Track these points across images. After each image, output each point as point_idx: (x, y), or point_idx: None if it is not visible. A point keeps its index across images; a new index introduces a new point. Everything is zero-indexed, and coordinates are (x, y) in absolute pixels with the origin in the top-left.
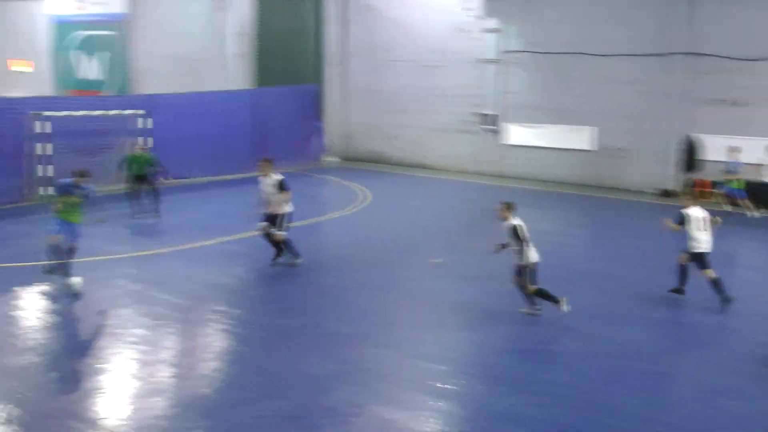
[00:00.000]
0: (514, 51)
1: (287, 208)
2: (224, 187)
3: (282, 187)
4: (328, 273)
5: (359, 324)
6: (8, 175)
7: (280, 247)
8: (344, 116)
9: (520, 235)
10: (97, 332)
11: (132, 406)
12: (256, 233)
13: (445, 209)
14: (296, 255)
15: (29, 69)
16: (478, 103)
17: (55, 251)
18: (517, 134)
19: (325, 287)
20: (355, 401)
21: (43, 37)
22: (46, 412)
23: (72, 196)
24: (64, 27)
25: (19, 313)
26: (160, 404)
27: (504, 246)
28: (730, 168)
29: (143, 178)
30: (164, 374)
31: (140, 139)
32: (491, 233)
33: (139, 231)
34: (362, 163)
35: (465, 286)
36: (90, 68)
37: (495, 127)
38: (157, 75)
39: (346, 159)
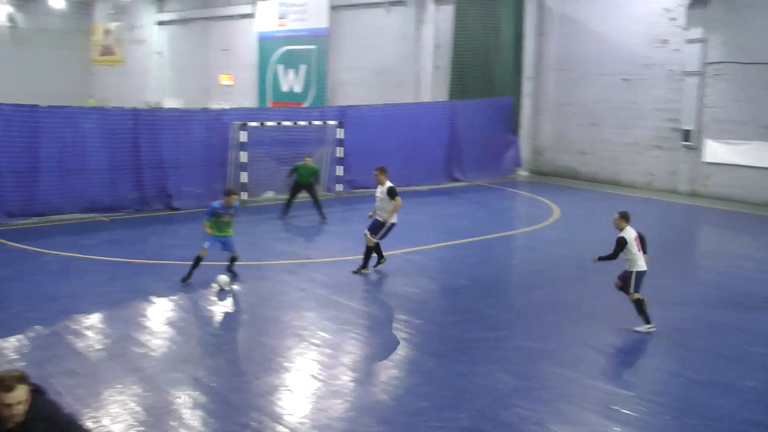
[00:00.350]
0: (717, 62)
1: (393, 219)
2: (415, 198)
3: (391, 194)
4: (513, 288)
5: (542, 341)
6: (215, 180)
7: (379, 251)
8: (536, 130)
9: (625, 247)
10: (283, 332)
11: (312, 406)
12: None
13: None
14: (365, 266)
15: (231, 83)
16: (676, 118)
17: (197, 263)
18: (719, 151)
19: (509, 302)
20: (534, 419)
21: (249, 53)
22: (230, 402)
23: (223, 217)
24: (268, 42)
25: (216, 308)
26: (338, 406)
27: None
28: None
29: (307, 186)
30: (344, 378)
31: (327, 148)
32: (686, 255)
33: (327, 238)
34: (552, 178)
35: (653, 310)
36: (291, 81)
37: (694, 144)
38: (354, 86)
39: (537, 173)
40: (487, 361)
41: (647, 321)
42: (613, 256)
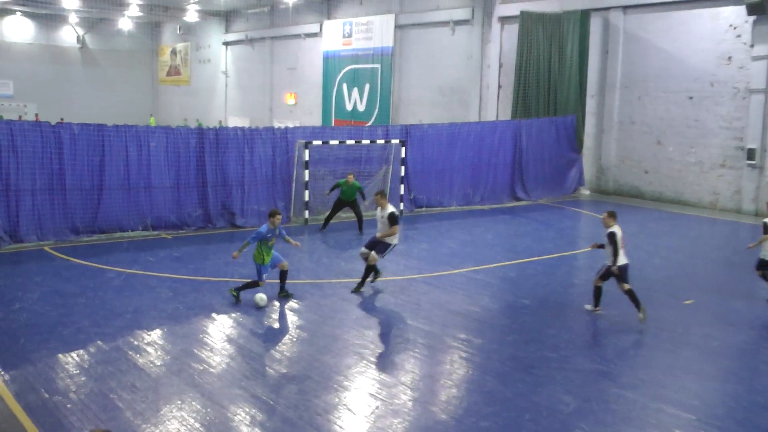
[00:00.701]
0: None
1: (394, 241)
2: (478, 217)
3: (392, 220)
4: (575, 308)
5: (605, 362)
6: (279, 199)
7: (375, 268)
8: (599, 149)
9: (617, 241)
10: (344, 351)
11: (370, 425)
12: (360, 256)
13: (700, 249)
14: (362, 284)
15: (294, 101)
16: (740, 137)
17: (253, 286)
18: None
19: (571, 322)
20: None
21: (314, 71)
22: (289, 420)
23: (271, 240)
24: (333, 61)
25: (276, 325)
26: (397, 426)
27: (600, 246)
28: None
29: (351, 204)
30: (404, 397)
31: (389, 167)
32: (750, 276)
33: (389, 256)
34: (616, 197)
35: (717, 331)
36: (355, 100)
37: (758, 163)
38: (418, 105)
39: (600, 192)
40: (548, 382)
41: (638, 306)
42: (616, 251)
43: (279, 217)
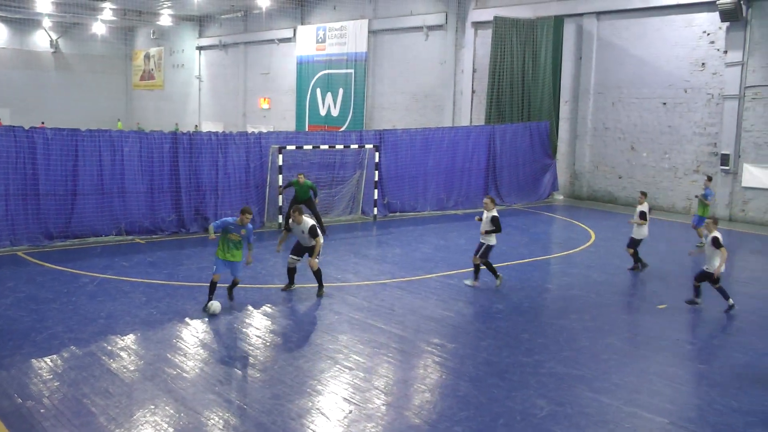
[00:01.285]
0: (757, 85)
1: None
2: (452, 222)
3: (313, 233)
4: (549, 313)
5: (579, 366)
6: (254, 203)
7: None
8: (573, 154)
9: (497, 224)
10: (318, 355)
11: (344, 430)
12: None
13: (674, 253)
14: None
15: (267, 106)
16: (714, 142)
17: (213, 288)
18: (758, 176)
19: (545, 327)
20: None
21: (288, 77)
22: (263, 425)
23: (233, 234)
24: (307, 66)
25: (250, 330)
26: (371, 430)
27: (488, 232)
28: None
29: (306, 202)
30: (378, 401)
31: (363, 172)
32: (723, 281)
33: (363, 261)
34: (590, 203)
35: (691, 336)
36: (329, 105)
37: (732, 169)
38: (392, 110)
39: (574, 197)
40: (522, 387)
41: (496, 276)
42: (498, 230)
43: (249, 216)
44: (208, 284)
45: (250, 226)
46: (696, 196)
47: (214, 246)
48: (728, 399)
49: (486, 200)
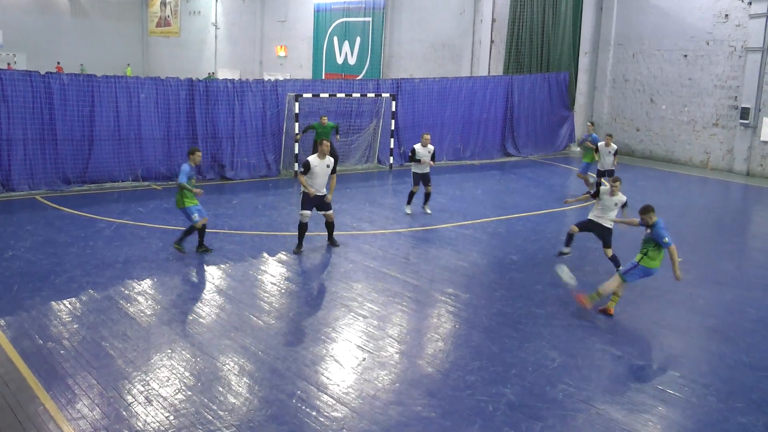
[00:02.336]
0: None
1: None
2: (468, 173)
3: (334, 169)
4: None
5: (592, 318)
6: (270, 151)
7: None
8: (591, 106)
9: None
10: (332, 303)
11: (357, 377)
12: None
13: (690, 208)
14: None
15: (284, 54)
16: (735, 96)
17: (203, 232)
18: None
19: (557, 279)
20: (580, 396)
21: (305, 25)
22: (277, 371)
23: (192, 179)
24: (324, 14)
25: (265, 277)
26: (385, 378)
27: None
28: None
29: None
30: (391, 350)
31: (379, 120)
32: (740, 236)
33: (379, 210)
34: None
35: (705, 290)
36: (346, 53)
37: (752, 123)
38: (410, 60)
39: None
40: (535, 337)
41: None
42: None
43: (199, 154)
44: (184, 230)
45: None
46: (579, 145)
47: (230, 193)
48: (739, 353)
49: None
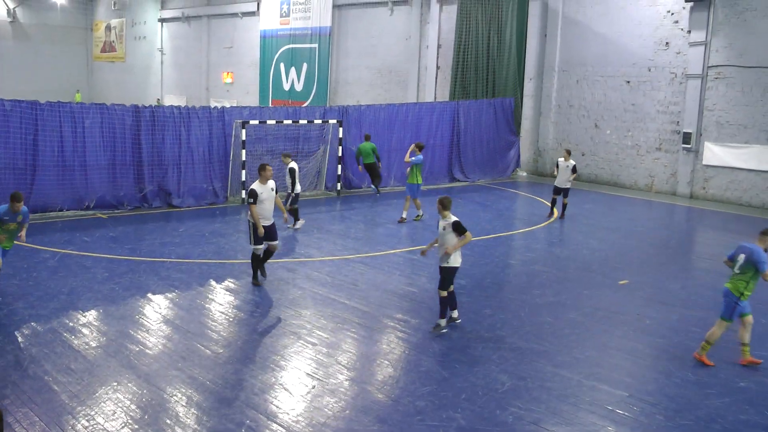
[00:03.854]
0: (719, 65)
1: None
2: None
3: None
4: (511, 288)
5: (541, 341)
6: (217, 178)
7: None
8: (537, 131)
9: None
10: (281, 331)
11: (307, 405)
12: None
13: (636, 230)
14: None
15: (230, 80)
16: (677, 121)
17: None
18: (719, 154)
19: (507, 302)
20: (530, 418)
21: (251, 51)
22: (226, 400)
23: (9, 224)
24: (270, 41)
25: (213, 306)
26: (335, 405)
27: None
28: None
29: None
30: (341, 377)
31: (326, 146)
32: (684, 257)
33: (327, 236)
34: (552, 179)
35: (652, 311)
36: (293, 79)
37: (694, 147)
38: (356, 86)
39: (537, 174)
40: (484, 361)
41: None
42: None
43: (19, 204)
44: None
45: (24, 208)
46: (409, 165)
47: (177, 221)
48: (686, 372)
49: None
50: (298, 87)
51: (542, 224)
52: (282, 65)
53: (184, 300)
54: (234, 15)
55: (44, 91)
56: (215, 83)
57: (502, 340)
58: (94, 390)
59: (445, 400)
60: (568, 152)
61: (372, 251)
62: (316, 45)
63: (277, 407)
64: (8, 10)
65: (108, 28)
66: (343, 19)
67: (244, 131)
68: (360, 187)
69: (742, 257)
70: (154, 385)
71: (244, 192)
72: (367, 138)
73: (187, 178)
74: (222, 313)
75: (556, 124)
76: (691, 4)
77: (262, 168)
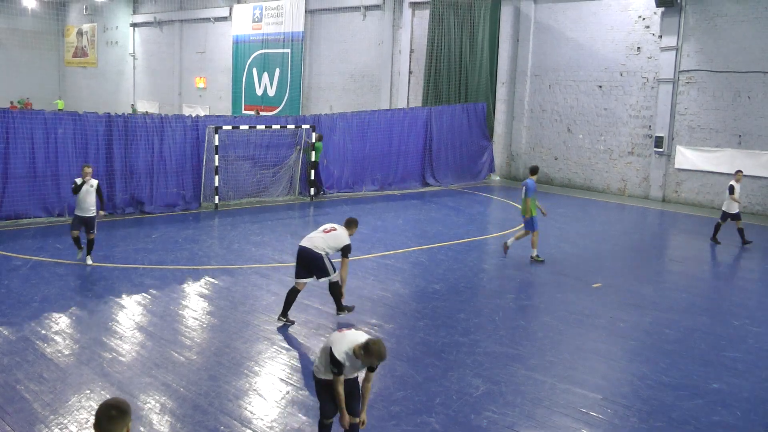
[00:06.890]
0: (691, 70)
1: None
2: (389, 203)
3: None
4: (485, 292)
5: (515, 345)
6: (191, 185)
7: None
8: (509, 136)
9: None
10: (255, 336)
11: (281, 410)
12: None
13: (609, 234)
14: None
15: (203, 86)
16: (649, 125)
17: None
18: (690, 158)
19: (481, 306)
20: (504, 422)
21: (224, 56)
22: (200, 407)
23: None
24: (243, 46)
25: (186, 312)
26: (308, 411)
27: None
28: None
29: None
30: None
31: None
32: (657, 260)
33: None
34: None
35: (625, 314)
36: (266, 84)
37: (666, 151)
38: (329, 91)
39: (510, 179)
40: (458, 366)
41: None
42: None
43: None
44: None
45: None
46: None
47: (151, 227)
48: (659, 374)
49: None
50: (271, 92)
51: (515, 229)
52: (255, 70)
53: (157, 307)
54: (206, 20)
55: (16, 98)
56: (188, 88)
57: (476, 344)
58: (67, 398)
59: (419, 404)
60: (740, 172)
61: None
62: (289, 50)
63: (252, 413)
64: None
65: (79, 33)
66: (316, 24)
67: (216, 136)
68: (332, 191)
69: None
70: (128, 392)
71: (217, 198)
72: (320, 138)
73: (159, 184)
74: (195, 319)
75: (528, 128)
76: (662, 9)
77: (355, 224)
